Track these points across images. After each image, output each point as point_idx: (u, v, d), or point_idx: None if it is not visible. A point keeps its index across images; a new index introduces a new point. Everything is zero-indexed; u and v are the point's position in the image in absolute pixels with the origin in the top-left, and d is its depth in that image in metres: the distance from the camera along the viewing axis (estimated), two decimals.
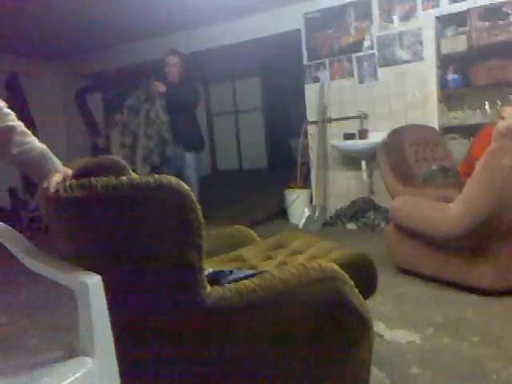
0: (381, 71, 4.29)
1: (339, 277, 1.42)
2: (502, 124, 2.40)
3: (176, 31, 5.19)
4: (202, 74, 6.72)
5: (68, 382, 1.03)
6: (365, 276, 1.69)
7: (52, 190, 1.21)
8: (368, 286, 1.70)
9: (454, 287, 2.52)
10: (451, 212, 2.43)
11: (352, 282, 1.45)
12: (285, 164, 5.99)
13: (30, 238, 1.31)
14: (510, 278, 2.36)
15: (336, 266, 1.45)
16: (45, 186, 1.26)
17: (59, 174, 1.24)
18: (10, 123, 1.28)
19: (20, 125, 1.30)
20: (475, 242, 2.38)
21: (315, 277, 1.40)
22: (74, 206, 1.16)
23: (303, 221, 4.60)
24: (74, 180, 1.19)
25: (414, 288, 2.65)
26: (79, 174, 1.26)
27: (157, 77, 4.20)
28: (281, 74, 6.11)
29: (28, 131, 1.30)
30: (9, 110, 1.30)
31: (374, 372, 1.62)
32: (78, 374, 1.06)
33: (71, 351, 1.18)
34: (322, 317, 1.40)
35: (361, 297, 1.48)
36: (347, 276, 1.44)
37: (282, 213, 5.02)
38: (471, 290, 2.43)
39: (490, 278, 2.36)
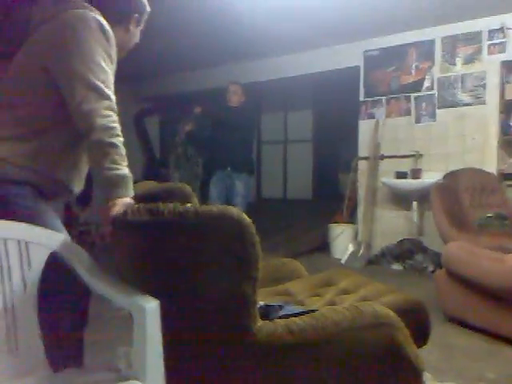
0: (439, 112, 4.23)
1: (395, 324, 1.37)
2: None
3: (237, 62, 5.36)
4: (256, 104, 6.85)
5: None
6: (419, 325, 1.63)
7: (120, 210, 1.25)
8: (421, 336, 1.63)
9: (507, 342, 2.37)
10: (509, 263, 2.31)
11: (407, 331, 1.40)
12: (331, 197, 5.94)
13: None
14: None
15: (391, 312, 1.40)
16: (112, 205, 1.32)
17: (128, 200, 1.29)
18: (116, 142, 1.34)
19: (123, 149, 1.36)
20: None
21: (369, 321, 1.36)
22: (140, 230, 1.20)
23: (346, 257, 4.52)
24: (141, 204, 1.23)
25: (464, 339, 2.52)
26: (146, 198, 1.30)
27: (215, 103, 4.38)
28: (335, 109, 6.13)
29: (125, 157, 1.36)
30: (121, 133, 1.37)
31: None
32: None
33: (118, 373, 1.19)
34: (374, 364, 1.35)
35: (415, 347, 1.42)
36: (403, 324, 1.40)
37: (325, 246, 4.95)
38: None
39: None
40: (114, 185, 1.34)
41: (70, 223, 1.52)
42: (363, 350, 1.34)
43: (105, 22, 1.40)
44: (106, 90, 1.36)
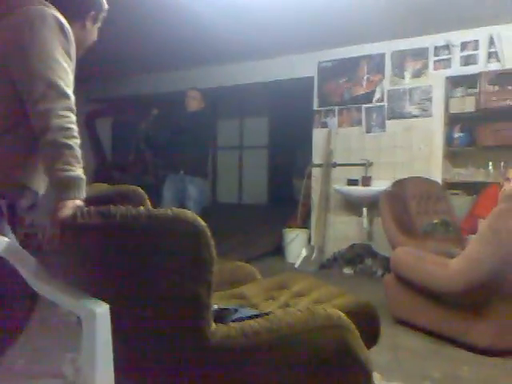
0: (389, 123, 4.40)
1: (346, 326, 1.41)
2: (509, 187, 2.44)
3: (192, 67, 5.34)
4: (213, 110, 6.85)
5: None
6: (369, 326, 1.68)
7: (69, 212, 1.21)
8: (371, 337, 1.68)
9: (451, 343, 2.49)
10: (453, 268, 2.43)
11: (358, 333, 1.44)
12: (285, 202, 6.02)
13: None
14: (509, 339, 2.34)
15: (343, 314, 1.44)
16: (61, 207, 1.28)
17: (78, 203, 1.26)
18: (71, 143, 1.31)
19: (78, 151, 1.32)
20: (476, 299, 2.37)
21: (321, 323, 1.39)
22: (90, 233, 1.17)
23: (300, 261, 4.59)
24: (92, 207, 1.20)
25: (412, 340, 2.62)
26: (97, 201, 1.27)
27: (173, 108, 4.34)
28: (290, 116, 6.24)
29: (80, 159, 1.33)
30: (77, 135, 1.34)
31: None
32: None
33: (65, 380, 1.15)
34: (325, 364, 1.38)
35: (365, 349, 1.46)
36: (353, 325, 1.43)
37: (279, 251, 5.00)
38: (469, 347, 2.40)
39: (488, 338, 2.34)
40: (65, 186, 1.30)
41: (13, 225, 1.45)
42: (315, 351, 1.37)
43: (63, 19, 1.36)
44: (66, 89, 1.32)
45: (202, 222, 1.22)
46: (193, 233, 1.20)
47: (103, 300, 1.13)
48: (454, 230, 3.63)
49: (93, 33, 1.58)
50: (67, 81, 1.34)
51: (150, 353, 1.22)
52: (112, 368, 1.11)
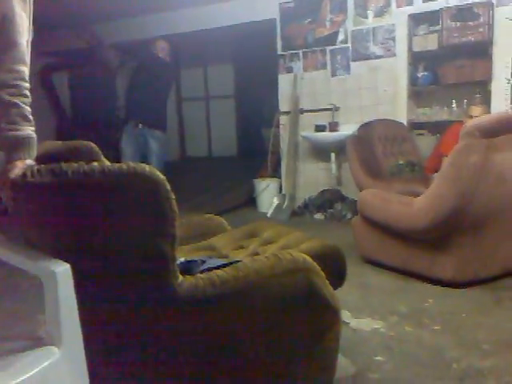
0: (353, 65, 4.34)
1: (311, 268, 1.43)
2: (469, 123, 2.47)
3: (148, 13, 5.06)
4: (175, 58, 6.60)
5: (35, 371, 1.01)
6: (335, 267, 1.72)
7: (19, 172, 1.16)
8: (338, 277, 1.73)
9: (417, 278, 2.60)
10: (417, 206, 2.50)
11: (323, 274, 1.47)
12: (255, 153, 5.98)
13: None
14: (471, 270, 2.46)
15: (308, 258, 1.46)
16: (11, 168, 1.22)
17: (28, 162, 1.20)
18: (17, 101, 1.22)
19: (26, 110, 1.24)
20: (438, 235, 2.46)
21: (288, 267, 1.41)
22: (42, 192, 1.12)
23: (272, 210, 4.63)
24: (42, 165, 1.14)
25: (379, 278, 2.72)
26: (49, 159, 1.21)
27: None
28: (255, 62, 6.07)
29: (30, 118, 1.25)
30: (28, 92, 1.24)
31: (340, 359, 1.65)
32: (45, 364, 1.03)
33: (36, 340, 1.14)
34: (294, 306, 1.41)
35: (331, 288, 1.50)
36: (319, 267, 1.46)
37: (251, 201, 5.03)
38: (434, 281, 2.52)
39: (451, 271, 2.45)
40: (13, 146, 1.24)
41: None
42: (283, 295, 1.40)
43: None
44: (18, 38, 1.21)
45: (161, 175, 1.19)
46: (151, 187, 1.17)
47: (63, 259, 1.10)
48: (419, 169, 3.71)
49: None
50: (21, 28, 1.22)
51: (116, 310, 1.22)
52: (79, 326, 1.11)
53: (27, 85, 1.26)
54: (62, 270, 1.07)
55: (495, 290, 2.43)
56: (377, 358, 1.84)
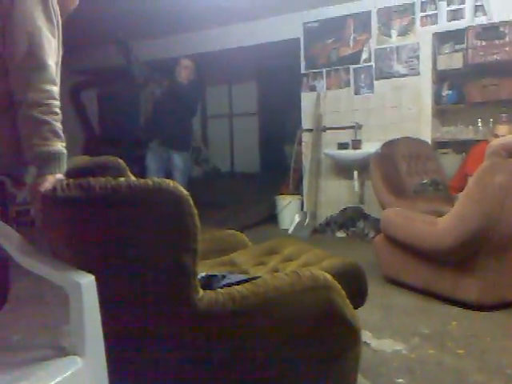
0: (377, 83, 4.35)
1: (331, 286, 1.43)
2: (495, 142, 2.44)
3: (177, 33, 5.21)
4: (201, 77, 6.73)
5: (57, 380, 1.03)
6: (356, 286, 1.71)
7: (49, 186, 1.21)
8: (358, 296, 1.71)
9: (440, 300, 2.55)
10: (441, 225, 2.46)
11: (344, 292, 1.46)
12: (277, 169, 6.01)
13: (17, 231, 1.31)
14: (496, 293, 2.40)
15: (328, 276, 1.46)
16: (41, 182, 1.27)
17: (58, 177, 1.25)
18: (48, 118, 1.27)
19: (58, 126, 1.30)
20: (463, 256, 2.41)
21: (308, 285, 1.41)
22: (70, 206, 1.16)
23: (293, 227, 4.62)
24: (71, 179, 1.19)
25: (401, 298, 2.68)
26: (77, 174, 1.26)
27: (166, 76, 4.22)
28: (278, 81, 6.14)
29: (61, 134, 1.30)
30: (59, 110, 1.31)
31: (360, 380, 1.64)
32: (68, 374, 1.05)
33: (59, 350, 1.17)
34: (313, 325, 1.41)
35: (352, 307, 1.49)
36: (339, 286, 1.46)
37: (272, 218, 5.04)
38: (457, 303, 2.46)
39: (475, 293, 2.39)
40: (44, 161, 1.29)
41: (4, 203, 1.44)
42: (303, 312, 1.40)
43: None
44: (46, 59, 1.27)
45: (185, 191, 1.22)
46: (175, 202, 1.20)
47: (89, 272, 1.13)
48: (443, 188, 3.66)
49: None
50: (49, 51, 1.28)
51: (138, 323, 1.24)
52: (101, 337, 1.13)
53: (58, 103, 1.31)
54: (87, 282, 1.10)
55: None
56: (398, 380, 1.81)
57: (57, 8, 1.34)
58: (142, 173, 4.08)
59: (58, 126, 1.32)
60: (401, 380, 1.80)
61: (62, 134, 1.33)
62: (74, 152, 1.45)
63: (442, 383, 1.78)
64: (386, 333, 2.22)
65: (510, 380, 1.76)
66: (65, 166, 1.32)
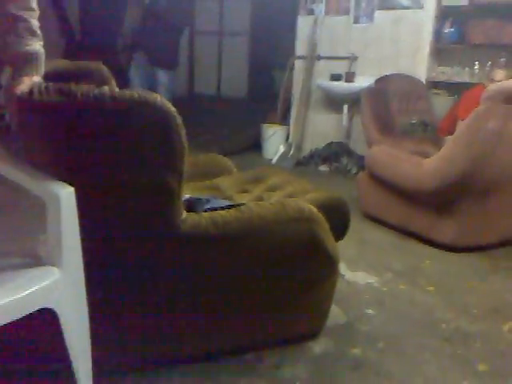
0: (378, 14, 4.11)
1: (316, 219, 1.42)
2: (492, 87, 2.38)
3: None
4: None
5: (34, 289, 1.01)
6: (339, 220, 1.71)
7: (25, 89, 1.11)
8: (340, 230, 1.72)
9: (417, 239, 2.60)
10: (427, 167, 2.46)
11: (327, 225, 1.46)
12: (265, 96, 5.83)
13: None
14: (471, 236, 2.46)
15: (314, 208, 1.45)
16: (17, 84, 1.17)
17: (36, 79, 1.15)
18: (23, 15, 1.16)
19: (34, 24, 1.19)
20: (444, 198, 2.43)
21: (292, 216, 1.40)
22: (48, 112, 1.08)
23: (277, 157, 4.58)
24: (50, 83, 1.09)
25: (379, 235, 2.73)
26: (57, 77, 1.16)
27: None
28: (274, 0, 5.77)
29: (38, 33, 1.20)
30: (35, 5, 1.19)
31: (333, 308, 1.69)
32: (45, 283, 1.04)
33: (35, 258, 1.14)
34: (295, 254, 1.41)
35: (333, 240, 1.50)
36: (323, 218, 1.45)
37: (257, 146, 4.97)
38: (433, 243, 2.52)
39: (451, 234, 2.44)
40: (20, 61, 1.19)
41: None
42: (285, 242, 1.39)
43: None
44: None
45: (172, 108, 1.14)
46: (162, 118, 1.13)
47: (68, 183, 1.08)
48: (431, 130, 3.62)
49: None
50: None
51: (119, 240, 1.21)
52: (79, 250, 1.10)
53: None
54: (66, 194, 1.05)
55: (493, 258, 2.44)
56: (368, 311, 1.88)
57: None
58: (124, 86, 3.87)
59: (35, 23, 1.20)
60: (370, 311, 1.88)
61: (40, 33, 1.21)
62: (52, 56, 1.34)
63: (410, 317, 1.85)
64: (361, 266, 2.28)
65: (475, 319, 1.85)
66: (43, 68, 1.22)
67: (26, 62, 1.19)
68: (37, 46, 1.21)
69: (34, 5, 1.20)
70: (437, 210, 2.47)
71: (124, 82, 3.84)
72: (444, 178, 2.32)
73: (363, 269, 2.26)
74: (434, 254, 2.46)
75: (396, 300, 1.98)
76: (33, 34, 1.20)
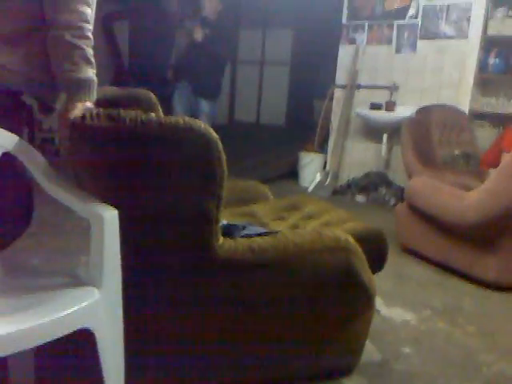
0: (420, 43, 4.10)
1: (352, 249, 1.40)
2: None
3: None
4: (235, 18, 6.46)
5: (74, 309, 1.03)
6: (376, 252, 1.67)
7: (78, 114, 1.17)
8: (377, 263, 1.68)
9: (457, 275, 2.51)
10: (469, 199, 2.38)
11: (364, 257, 1.43)
12: (303, 124, 5.87)
13: None
14: None
15: (350, 238, 1.43)
16: (71, 109, 1.24)
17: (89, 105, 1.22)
18: (80, 43, 1.24)
19: (89, 52, 1.27)
20: (487, 233, 2.35)
21: (328, 245, 1.38)
22: (98, 136, 1.12)
23: (313, 185, 4.57)
24: (101, 109, 1.15)
25: (417, 269, 2.65)
26: (107, 103, 1.21)
27: (191, 10, 3.97)
28: (316, 30, 5.86)
29: (92, 60, 1.27)
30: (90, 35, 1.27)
31: (367, 345, 1.64)
32: (84, 304, 1.06)
33: (77, 279, 1.18)
34: (330, 285, 1.39)
35: (370, 272, 1.47)
36: (360, 250, 1.43)
37: (293, 174, 4.98)
38: (474, 280, 2.42)
39: (494, 272, 2.34)
40: (74, 88, 1.26)
41: (31, 128, 1.43)
42: (321, 271, 1.38)
43: None
44: None
45: (215, 134, 1.17)
46: (205, 144, 1.15)
47: (111, 205, 1.11)
48: (474, 163, 3.53)
49: None
50: None
51: (158, 263, 1.23)
52: (119, 271, 1.13)
53: (90, 26, 1.26)
54: (110, 216, 1.08)
55: None
56: (404, 349, 1.81)
57: None
58: (167, 113, 3.95)
59: (90, 51, 1.27)
60: (407, 349, 1.80)
61: (93, 61, 1.28)
62: (103, 83, 1.41)
63: (449, 357, 1.77)
64: (398, 302, 2.21)
65: None
66: (95, 95, 1.28)
67: (79, 88, 1.26)
68: (90, 73, 1.28)
69: (90, 34, 1.27)
70: (479, 246, 2.38)
71: (168, 111, 3.96)
72: (487, 212, 2.24)
73: (400, 305, 2.18)
74: (475, 292, 2.35)
75: (434, 339, 1.90)
76: (87, 62, 1.27)
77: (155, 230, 1.19)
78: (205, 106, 4.04)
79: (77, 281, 1.16)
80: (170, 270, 1.24)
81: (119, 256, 1.11)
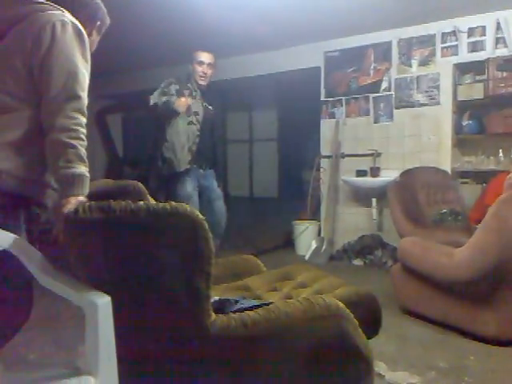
0: (397, 112, 4.37)
1: (344, 315, 1.43)
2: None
3: None
4: (222, 102, 6.84)
5: None
6: (370, 315, 1.70)
7: (72, 208, 1.26)
8: (372, 326, 1.70)
9: (458, 332, 2.49)
10: (458, 257, 2.43)
11: (356, 322, 1.46)
12: (295, 195, 6.03)
13: (39, 249, 1.37)
14: None
15: (341, 304, 1.46)
16: (65, 204, 1.33)
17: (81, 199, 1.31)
18: (74, 143, 1.36)
19: (82, 151, 1.39)
20: (481, 288, 2.36)
21: (320, 313, 1.41)
22: (90, 228, 1.20)
23: (310, 253, 4.60)
24: (93, 202, 1.24)
25: (418, 330, 2.63)
26: (99, 196, 1.31)
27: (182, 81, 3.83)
28: (298, 108, 6.23)
29: (85, 159, 1.39)
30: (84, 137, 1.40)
31: None
32: None
33: (74, 369, 1.20)
34: (324, 353, 1.40)
35: (364, 337, 1.48)
36: (352, 315, 1.45)
37: (289, 243, 5.03)
38: (476, 336, 2.40)
39: (494, 327, 2.33)
40: (68, 183, 1.36)
41: (31, 222, 1.51)
42: (314, 339, 1.40)
43: (80, 26, 1.43)
44: (78, 91, 1.38)
45: (200, 215, 1.25)
46: (191, 226, 1.23)
47: (105, 292, 1.17)
48: (463, 219, 3.61)
49: (95, 43, 1.64)
50: (83, 85, 1.41)
51: (151, 344, 1.26)
52: (115, 357, 1.15)
53: (84, 131, 1.41)
54: (103, 303, 1.13)
55: None
56: None
57: (88, 44, 1.47)
58: (167, 197, 3.81)
59: (83, 151, 1.40)
60: None
61: (86, 159, 1.40)
62: (96, 174, 1.53)
63: None
64: (402, 365, 2.18)
65: None
66: (87, 189, 1.38)
67: (73, 183, 1.36)
68: (83, 169, 1.39)
69: (83, 137, 1.41)
70: (475, 301, 2.39)
71: (167, 194, 3.93)
72: (477, 267, 2.28)
73: (404, 368, 2.15)
74: (478, 349, 2.33)
75: None
76: (81, 159, 1.38)
77: (147, 313, 1.24)
78: (213, 182, 3.92)
79: (73, 371, 1.18)
80: (164, 352, 1.26)
81: (114, 343, 1.14)
